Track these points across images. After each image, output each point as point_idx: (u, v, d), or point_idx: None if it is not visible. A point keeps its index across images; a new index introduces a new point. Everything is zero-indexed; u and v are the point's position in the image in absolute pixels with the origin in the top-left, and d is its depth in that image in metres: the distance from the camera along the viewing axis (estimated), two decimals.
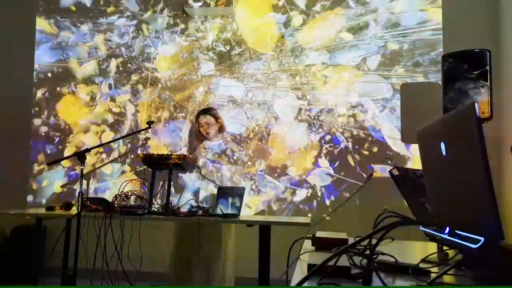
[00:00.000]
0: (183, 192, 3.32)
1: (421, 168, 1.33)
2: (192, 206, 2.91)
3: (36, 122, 4.74)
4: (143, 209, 2.84)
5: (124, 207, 2.85)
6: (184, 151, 4.18)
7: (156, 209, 2.93)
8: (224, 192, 2.90)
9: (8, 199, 4.17)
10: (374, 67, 4.28)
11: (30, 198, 4.62)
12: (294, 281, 1.05)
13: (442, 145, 1.03)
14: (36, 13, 4.85)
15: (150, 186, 3.03)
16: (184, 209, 2.92)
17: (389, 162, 3.95)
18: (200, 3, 4.60)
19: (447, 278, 1.07)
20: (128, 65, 4.66)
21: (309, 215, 4.16)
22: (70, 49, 4.78)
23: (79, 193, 2.77)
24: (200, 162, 3.27)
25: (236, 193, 2.88)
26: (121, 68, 4.67)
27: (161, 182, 3.20)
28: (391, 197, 1.99)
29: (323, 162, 4.27)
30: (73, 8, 4.82)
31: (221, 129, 3.38)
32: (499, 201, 0.83)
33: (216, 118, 3.36)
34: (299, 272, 1.17)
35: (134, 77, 4.64)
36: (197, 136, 3.38)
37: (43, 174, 4.66)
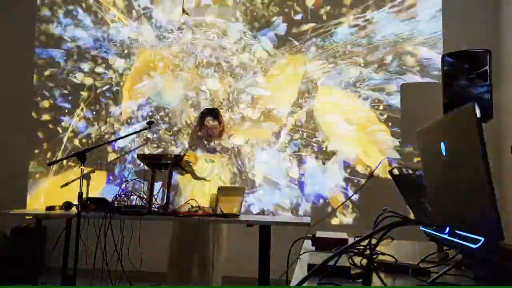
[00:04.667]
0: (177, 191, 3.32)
1: (421, 168, 1.33)
2: (192, 206, 2.91)
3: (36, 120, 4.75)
4: (143, 209, 2.84)
5: (124, 207, 2.85)
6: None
7: (156, 209, 2.93)
8: (224, 192, 2.89)
9: (8, 199, 4.17)
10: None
11: (30, 198, 4.63)
12: (294, 281, 1.05)
13: (442, 145, 1.03)
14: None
15: (150, 186, 3.03)
16: (184, 209, 2.92)
17: None
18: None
19: (447, 278, 1.07)
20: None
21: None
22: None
23: (79, 193, 2.77)
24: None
25: (236, 193, 2.88)
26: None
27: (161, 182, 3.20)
28: (391, 197, 2.00)
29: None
30: None
31: (221, 132, 3.38)
32: (499, 201, 0.83)
33: (220, 121, 3.36)
34: (299, 272, 1.17)
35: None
36: (200, 136, 3.37)
37: (43, 173, 4.66)
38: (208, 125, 3.30)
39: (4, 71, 4.80)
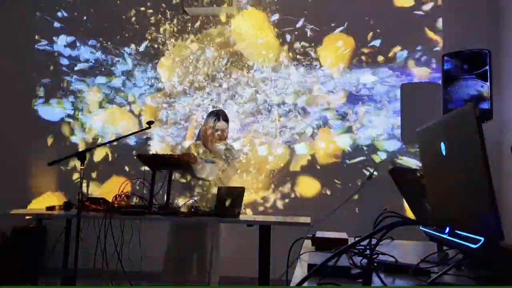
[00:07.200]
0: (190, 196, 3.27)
1: (421, 168, 1.33)
2: (192, 206, 2.90)
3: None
4: (143, 209, 2.84)
5: (124, 207, 2.85)
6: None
7: (156, 209, 2.92)
8: (224, 192, 2.89)
9: (8, 199, 4.17)
10: None
11: (30, 198, 4.62)
12: (294, 281, 1.05)
13: (442, 145, 1.03)
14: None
15: (150, 186, 3.02)
16: (184, 209, 2.92)
17: None
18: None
19: (447, 278, 1.07)
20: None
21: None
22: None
23: (79, 193, 2.76)
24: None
25: (236, 193, 2.87)
26: None
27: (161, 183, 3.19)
28: (391, 197, 1.99)
29: None
30: None
31: (226, 135, 3.36)
32: (499, 201, 0.83)
33: (228, 124, 3.35)
34: (299, 272, 1.17)
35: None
36: (206, 138, 3.32)
37: (43, 173, 4.65)
38: (219, 127, 3.28)
39: (4, 69, 4.80)
